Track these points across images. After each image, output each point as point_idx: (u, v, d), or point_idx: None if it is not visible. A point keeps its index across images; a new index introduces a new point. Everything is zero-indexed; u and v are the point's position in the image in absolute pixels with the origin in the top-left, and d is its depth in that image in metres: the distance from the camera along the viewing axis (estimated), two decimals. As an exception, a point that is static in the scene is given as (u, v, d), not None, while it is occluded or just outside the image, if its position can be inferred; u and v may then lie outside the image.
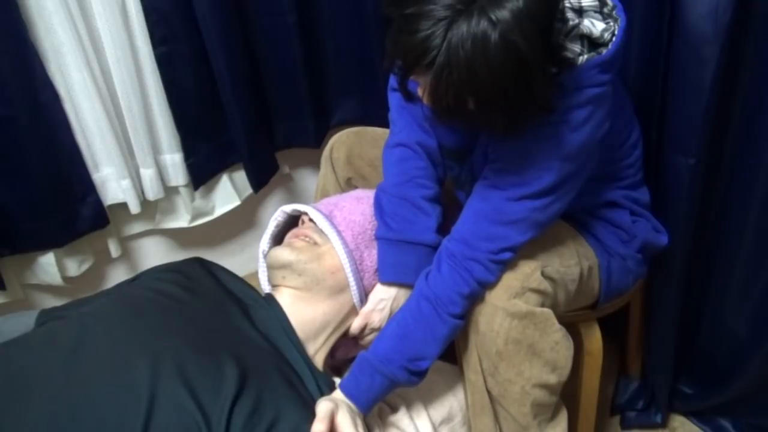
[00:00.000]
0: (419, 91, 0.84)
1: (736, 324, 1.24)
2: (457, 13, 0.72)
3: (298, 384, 0.95)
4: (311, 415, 0.89)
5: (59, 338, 0.91)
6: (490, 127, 0.86)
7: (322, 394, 0.97)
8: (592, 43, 0.87)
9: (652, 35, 1.09)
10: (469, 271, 0.95)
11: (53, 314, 1.03)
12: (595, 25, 0.86)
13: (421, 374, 0.99)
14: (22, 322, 1.02)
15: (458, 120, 0.85)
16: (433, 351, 0.98)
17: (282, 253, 1.06)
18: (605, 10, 0.88)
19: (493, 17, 0.72)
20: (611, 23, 0.87)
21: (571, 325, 1.10)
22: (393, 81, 1.15)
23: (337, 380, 1.04)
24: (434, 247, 1.05)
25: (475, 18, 0.72)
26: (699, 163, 1.11)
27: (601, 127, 0.92)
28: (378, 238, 1.09)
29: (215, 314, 0.99)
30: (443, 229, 1.09)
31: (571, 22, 0.85)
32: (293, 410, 0.88)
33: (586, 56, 0.87)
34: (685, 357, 1.35)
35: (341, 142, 1.30)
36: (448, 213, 1.14)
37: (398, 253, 1.06)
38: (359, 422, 0.93)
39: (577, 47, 0.86)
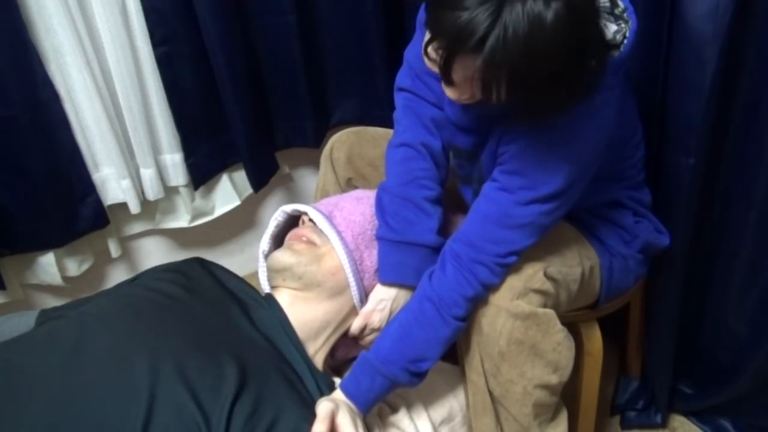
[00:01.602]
0: (456, 79, 0.81)
1: (736, 324, 1.24)
2: None
3: (297, 384, 0.95)
4: (311, 415, 0.89)
5: (59, 338, 0.91)
6: (530, 112, 0.83)
7: (322, 394, 0.97)
8: (604, 45, 0.87)
9: (652, 35, 1.09)
10: (474, 274, 0.95)
11: (53, 314, 1.03)
12: (608, 27, 0.86)
13: (421, 375, 0.99)
14: (22, 322, 1.02)
15: (506, 103, 0.81)
16: (434, 353, 0.98)
17: (282, 257, 1.06)
18: (616, 11, 0.88)
19: None
20: (622, 25, 0.87)
21: (572, 325, 1.10)
22: (399, 80, 1.15)
23: (337, 380, 1.04)
24: (434, 249, 1.05)
25: None
26: (699, 163, 1.11)
27: (609, 130, 0.92)
28: (379, 238, 1.09)
29: (215, 314, 0.99)
30: (443, 231, 1.09)
31: None
32: (293, 410, 0.88)
33: None
34: (685, 357, 1.35)
35: (341, 142, 1.30)
36: (449, 215, 1.14)
37: (398, 253, 1.06)
38: (359, 422, 0.93)
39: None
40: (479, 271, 0.95)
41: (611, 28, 0.86)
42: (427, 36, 0.81)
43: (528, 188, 0.93)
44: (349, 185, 1.31)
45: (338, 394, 0.96)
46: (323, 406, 0.89)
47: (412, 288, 1.05)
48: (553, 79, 0.76)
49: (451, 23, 0.74)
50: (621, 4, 0.88)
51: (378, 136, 1.29)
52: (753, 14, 1.01)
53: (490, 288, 0.97)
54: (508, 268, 0.97)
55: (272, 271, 1.08)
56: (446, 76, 0.81)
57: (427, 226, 1.07)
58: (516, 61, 0.73)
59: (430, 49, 0.81)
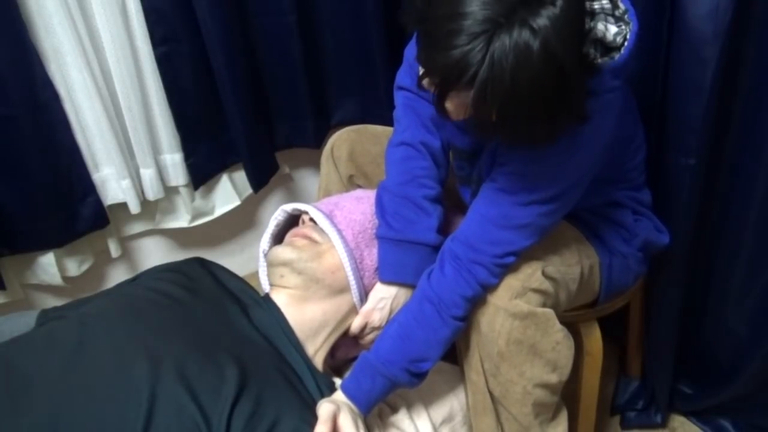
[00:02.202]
0: (450, 109, 0.83)
1: (736, 324, 1.24)
2: (497, 26, 0.72)
3: (297, 384, 0.95)
4: (311, 416, 0.89)
5: (59, 338, 0.91)
6: (531, 138, 0.85)
7: (322, 394, 0.97)
8: (604, 46, 0.87)
9: (652, 35, 1.09)
10: (472, 274, 0.95)
11: (53, 314, 1.03)
12: (608, 29, 0.86)
13: (422, 376, 0.99)
14: (23, 322, 1.02)
15: (500, 133, 0.83)
16: (434, 353, 0.98)
17: (283, 251, 1.06)
18: (617, 13, 0.88)
19: (534, 26, 0.71)
20: (623, 27, 0.87)
21: (572, 325, 1.10)
22: (399, 79, 1.15)
23: (337, 381, 1.04)
24: (435, 247, 1.05)
25: (516, 30, 0.71)
26: (699, 163, 1.11)
27: (610, 132, 0.92)
28: (379, 237, 1.09)
29: (215, 314, 0.99)
30: (443, 230, 1.09)
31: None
32: (293, 411, 0.88)
33: (600, 61, 0.86)
34: (685, 357, 1.35)
35: (342, 140, 1.30)
36: (449, 214, 1.14)
37: (399, 252, 1.06)
38: (360, 424, 0.93)
39: (591, 51, 0.86)
40: (478, 272, 0.95)
41: (612, 30, 0.86)
42: (421, 70, 0.81)
43: (527, 189, 0.93)
44: (351, 182, 1.30)
45: (339, 395, 0.96)
46: (325, 408, 0.89)
47: (412, 286, 1.05)
48: (543, 107, 0.77)
49: (442, 63, 0.75)
50: (622, 6, 0.88)
51: (378, 133, 1.29)
52: (753, 14, 1.01)
53: (489, 288, 0.97)
54: (507, 269, 0.97)
55: (272, 266, 1.08)
56: (440, 107, 0.83)
57: (427, 225, 1.07)
58: (504, 92, 0.74)
59: (424, 83, 0.82)
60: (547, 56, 0.72)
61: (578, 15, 0.76)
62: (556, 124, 0.81)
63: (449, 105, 0.82)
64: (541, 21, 0.71)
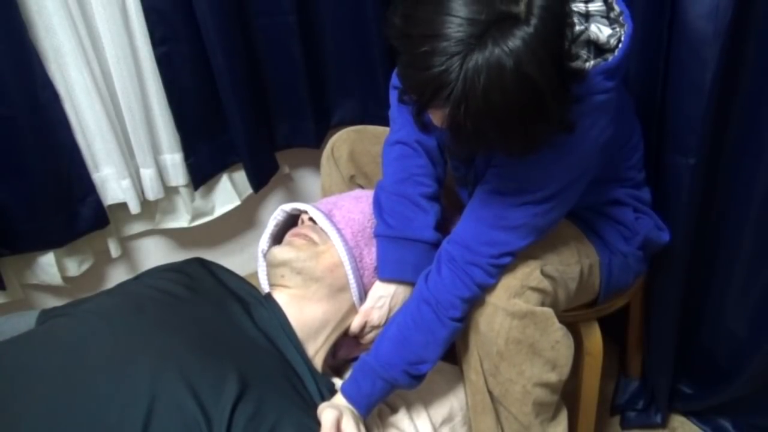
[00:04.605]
0: (434, 120, 0.84)
1: (736, 324, 1.24)
2: (470, 46, 0.72)
3: (298, 385, 0.95)
4: (312, 419, 0.89)
5: (60, 335, 0.91)
6: (509, 151, 0.86)
7: (322, 396, 0.97)
8: (598, 48, 0.87)
9: (652, 36, 1.09)
10: (469, 276, 0.95)
11: (54, 314, 1.02)
12: (601, 31, 0.86)
13: (421, 378, 0.99)
14: (23, 322, 1.02)
15: (478, 147, 0.84)
16: (433, 354, 0.98)
17: (282, 251, 1.07)
18: (612, 15, 0.88)
19: (506, 48, 0.72)
20: (617, 29, 0.87)
21: (572, 324, 1.10)
22: (394, 79, 1.15)
23: (337, 381, 1.04)
24: (433, 244, 1.05)
25: (489, 49, 0.72)
26: (699, 163, 1.11)
27: (604, 134, 0.92)
28: (377, 235, 1.09)
29: (217, 313, 1.00)
30: (443, 229, 1.09)
31: (578, 27, 0.85)
32: (295, 414, 0.88)
33: (592, 62, 0.86)
34: (685, 357, 1.35)
35: (342, 140, 1.30)
36: (448, 213, 1.14)
37: (397, 250, 1.06)
38: (362, 427, 0.94)
39: (583, 53, 0.86)
40: (474, 273, 0.95)
41: (605, 32, 0.86)
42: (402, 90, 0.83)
43: (520, 190, 0.93)
44: (352, 182, 1.31)
45: (339, 398, 0.96)
46: (328, 414, 0.90)
47: (410, 284, 1.05)
48: (517, 122, 0.77)
49: (419, 81, 0.77)
50: (617, 8, 0.88)
51: (378, 133, 1.29)
52: (753, 14, 1.01)
53: (486, 288, 0.97)
54: (503, 269, 0.97)
55: (271, 267, 1.08)
56: (419, 121, 0.85)
57: (425, 222, 1.07)
58: (477, 110, 0.75)
59: (406, 98, 0.84)
60: (520, 75, 0.73)
61: (555, 32, 0.76)
62: (534, 137, 0.81)
63: (433, 117, 0.84)
64: (513, 42, 0.72)
